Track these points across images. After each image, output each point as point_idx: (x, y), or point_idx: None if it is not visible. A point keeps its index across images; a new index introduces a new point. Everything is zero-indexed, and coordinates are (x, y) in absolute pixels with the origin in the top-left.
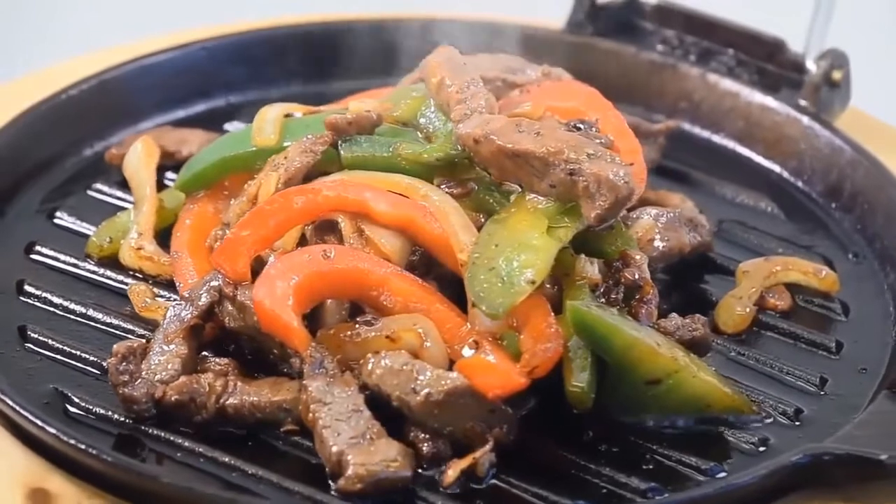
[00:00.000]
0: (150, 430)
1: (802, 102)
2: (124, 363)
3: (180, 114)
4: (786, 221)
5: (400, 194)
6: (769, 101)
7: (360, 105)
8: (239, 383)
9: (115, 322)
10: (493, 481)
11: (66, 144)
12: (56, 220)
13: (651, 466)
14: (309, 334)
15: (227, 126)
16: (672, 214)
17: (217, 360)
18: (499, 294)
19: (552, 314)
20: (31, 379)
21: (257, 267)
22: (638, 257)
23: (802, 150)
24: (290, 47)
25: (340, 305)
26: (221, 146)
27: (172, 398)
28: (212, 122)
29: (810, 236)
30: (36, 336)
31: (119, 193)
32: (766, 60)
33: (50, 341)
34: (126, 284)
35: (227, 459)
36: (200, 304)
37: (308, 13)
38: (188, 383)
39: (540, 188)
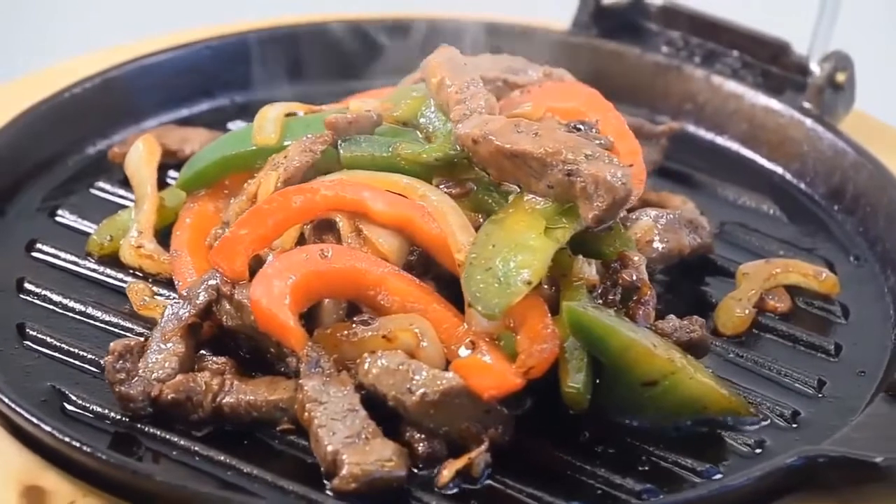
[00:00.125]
0: (147, 429)
1: (806, 105)
2: (121, 361)
3: (184, 113)
4: (788, 224)
5: (398, 194)
6: (773, 103)
7: (360, 105)
8: (235, 382)
9: (114, 320)
10: (489, 482)
11: (69, 143)
12: (58, 218)
13: (647, 468)
14: (306, 333)
15: (230, 125)
16: (672, 216)
17: (214, 358)
18: (495, 294)
19: (549, 315)
20: (28, 376)
21: (256, 266)
22: (636, 258)
23: (805, 153)
24: (294, 47)
25: (338, 305)
26: (222, 145)
27: (169, 396)
28: (216, 121)
29: (812, 239)
30: (34, 334)
31: (121, 192)
32: (771, 62)
33: (48, 339)
34: (126, 283)
35: (222, 458)
36: (198, 302)
37: (308, 13)
38: (185, 382)
39: (538, 189)
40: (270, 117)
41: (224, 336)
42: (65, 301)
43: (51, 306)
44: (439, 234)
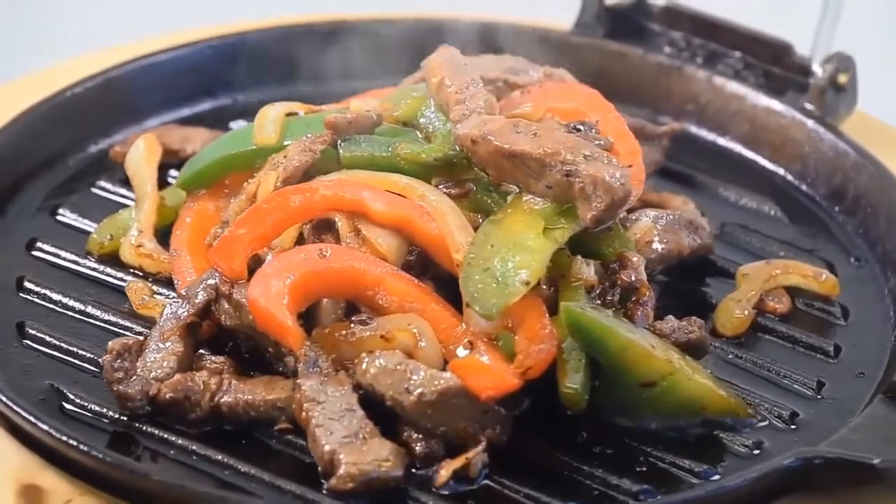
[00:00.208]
0: (145, 428)
1: (808, 106)
2: (119, 360)
3: (186, 112)
4: (788, 225)
5: (397, 194)
6: (775, 104)
7: (360, 104)
8: (233, 381)
9: (114, 319)
10: (486, 482)
11: (70, 142)
12: (58, 217)
13: (644, 469)
14: (304, 333)
15: (232, 125)
16: (671, 217)
17: (213, 358)
18: (493, 294)
19: (547, 315)
20: (27, 375)
21: (255, 265)
22: (635, 259)
23: (807, 154)
24: (297, 46)
25: (336, 304)
26: (222, 144)
27: (167, 396)
28: (218, 120)
29: (813, 240)
30: (34, 332)
31: (122, 191)
32: (773, 63)
33: (48, 338)
34: (126, 282)
35: (220, 457)
36: (197, 301)
37: (308, 13)
38: (182, 381)
39: (537, 189)
40: (270, 117)
41: (223, 335)
42: (64, 300)
43: (50, 305)
44: (438, 234)
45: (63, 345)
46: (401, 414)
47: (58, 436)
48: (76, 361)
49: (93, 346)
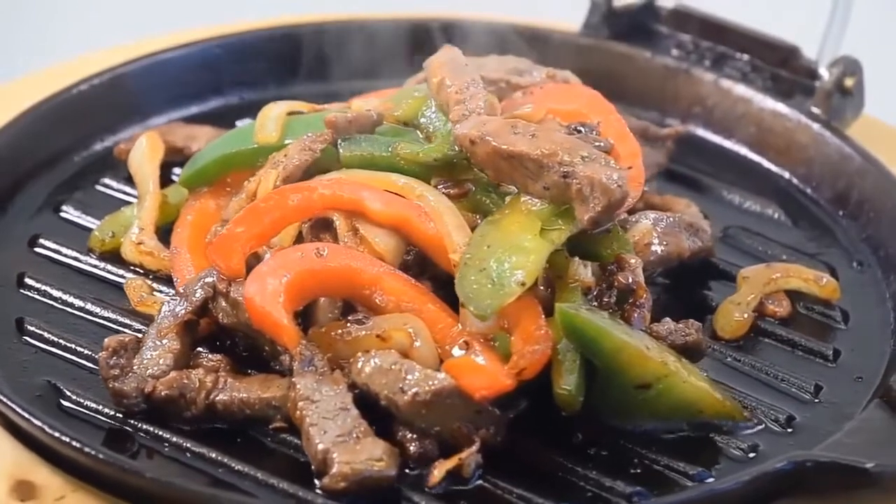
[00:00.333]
0: (140, 425)
1: (814, 109)
2: (115, 357)
3: (193, 110)
4: (792, 228)
5: (396, 194)
6: (781, 107)
7: (361, 104)
8: (229, 380)
9: (113, 316)
10: (479, 482)
11: (76, 139)
12: (62, 214)
13: (639, 471)
14: (299, 332)
15: (239, 123)
16: (672, 219)
17: (210, 356)
18: (488, 295)
19: (543, 316)
20: (25, 371)
21: (254, 264)
22: (633, 261)
23: (812, 157)
24: (305, 45)
25: (333, 303)
26: (224, 143)
27: (162, 393)
28: (225, 118)
29: (816, 244)
30: (33, 329)
31: (126, 188)
32: (781, 66)
33: (46, 334)
34: (126, 279)
35: (214, 455)
36: (194, 299)
37: (308, 13)
38: (178, 378)
39: (534, 190)
40: (272, 115)
41: (221, 333)
42: (64, 296)
43: (50, 301)
44: (436, 234)
45: (62, 341)
46: (395, 414)
47: (51, 432)
48: (74, 358)
49: (91, 343)
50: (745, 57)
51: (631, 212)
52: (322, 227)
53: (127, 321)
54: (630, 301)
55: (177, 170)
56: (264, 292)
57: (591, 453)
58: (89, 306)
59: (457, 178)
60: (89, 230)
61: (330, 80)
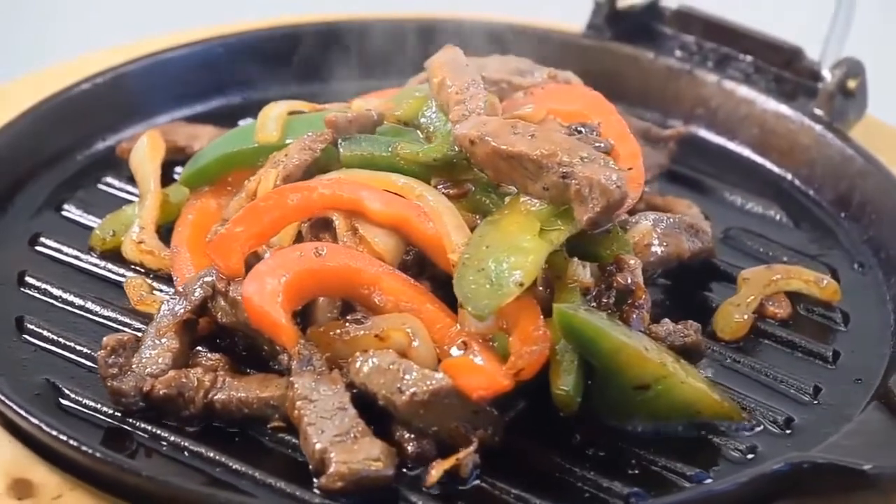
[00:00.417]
0: (139, 424)
1: (817, 111)
2: (114, 356)
3: (196, 109)
4: (794, 230)
5: (395, 194)
6: (784, 108)
7: (362, 103)
8: (228, 379)
9: (113, 315)
10: (477, 482)
11: (79, 138)
12: (63, 213)
13: (637, 471)
14: (298, 331)
15: (242, 123)
16: (672, 220)
17: (209, 355)
18: (486, 295)
19: (541, 317)
20: (24, 370)
21: (254, 263)
22: (632, 262)
23: (814, 159)
24: (309, 44)
25: (332, 303)
26: (225, 142)
27: (160, 392)
28: (228, 118)
29: (818, 245)
30: (33, 327)
31: (128, 187)
32: (784, 68)
33: (46, 333)
34: (127, 278)
35: (211, 455)
36: (194, 298)
37: (308, 13)
38: (177, 377)
39: (533, 190)
40: (273, 115)
41: (221, 333)
42: (65, 295)
43: (50, 300)
44: (435, 234)
45: (61, 340)
46: (393, 413)
47: (48, 430)
48: (73, 357)
49: (91, 342)
50: (749, 58)
51: (631, 212)
52: (321, 227)
53: (127, 320)
54: (629, 302)
55: (179, 169)
56: (262, 292)
57: (590, 454)
58: (89, 305)
59: (457, 179)
60: (91, 229)
61: (334, 80)
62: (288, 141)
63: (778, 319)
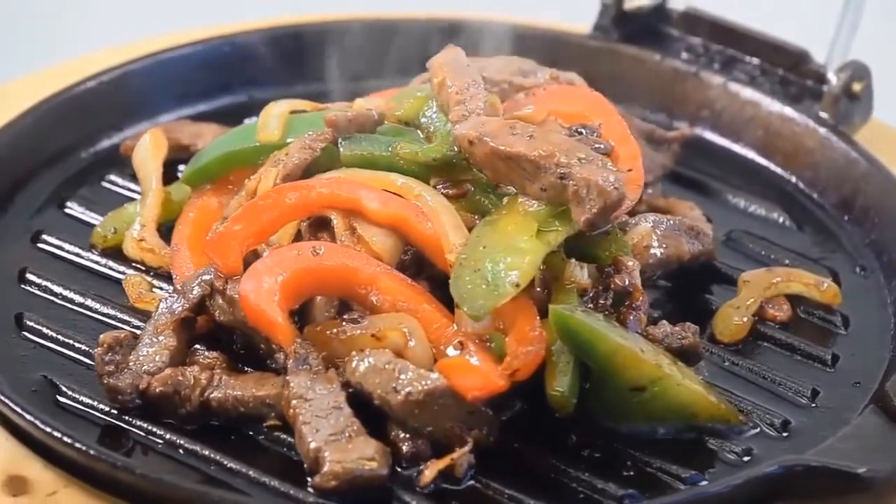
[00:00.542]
0: (135, 421)
1: (822, 114)
2: (110, 353)
3: (202, 108)
4: (796, 233)
5: (394, 193)
6: (789, 111)
7: (363, 103)
8: (224, 377)
9: (113, 312)
10: (471, 482)
11: (83, 136)
12: (66, 210)
13: (632, 473)
14: (295, 330)
15: (247, 121)
16: (672, 222)
17: (207, 353)
18: (482, 295)
19: (538, 317)
20: (22, 366)
21: (253, 262)
22: (630, 264)
23: (818, 162)
24: (316, 44)
25: (329, 302)
26: (227, 141)
27: (157, 390)
28: (234, 117)
29: (820, 248)
30: (32, 324)
31: (132, 185)
32: (790, 70)
33: (45, 330)
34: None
35: (206, 452)
36: (192, 296)
37: (308, 13)
38: (173, 375)
39: (531, 191)
40: (274, 114)
41: (220, 331)
42: (65, 292)
43: (51, 297)
44: (433, 234)
45: (60, 337)
46: (388, 413)
47: (43, 427)
48: (72, 354)
49: (89, 339)
50: (755, 60)
51: (632, 214)
52: (320, 226)
53: (126, 318)
54: (626, 303)
55: (182, 167)
56: (259, 290)
57: (585, 455)
58: (89, 302)
59: (456, 179)
60: (93, 226)
61: (340, 80)
62: (289, 140)
63: (778, 322)
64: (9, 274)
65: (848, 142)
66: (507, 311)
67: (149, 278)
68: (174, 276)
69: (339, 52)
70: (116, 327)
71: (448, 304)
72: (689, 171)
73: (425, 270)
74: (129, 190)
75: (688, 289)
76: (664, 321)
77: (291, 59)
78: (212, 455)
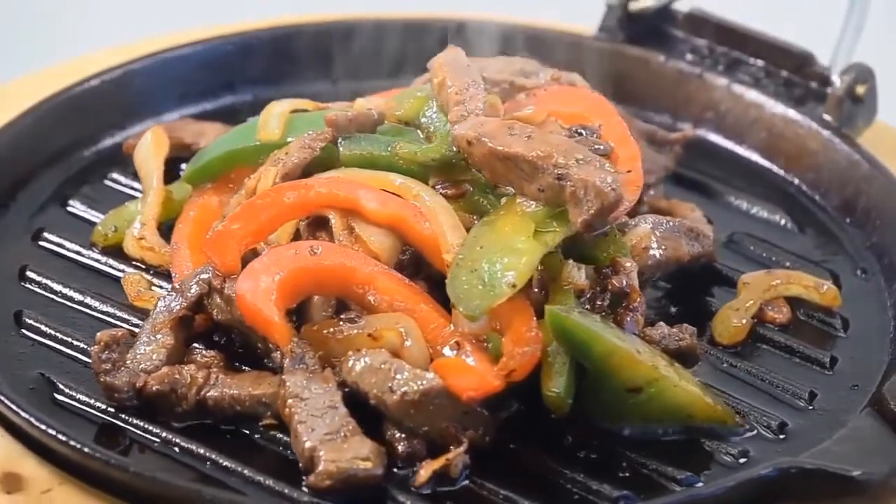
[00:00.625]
0: (131, 419)
1: (825, 116)
2: (107, 351)
3: (206, 107)
4: (798, 235)
5: (393, 193)
6: (792, 113)
7: (364, 102)
8: (221, 376)
9: (112, 311)
10: (466, 483)
11: (86, 134)
12: (69, 208)
13: (627, 474)
14: (291, 329)
15: (250, 121)
16: (672, 223)
17: (204, 352)
18: (478, 296)
19: (534, 318)
20: (20, 364)
21: (252, 260)
22: (628, 265)
23: (821, 164)
24: (319, 44)
25: (327, 301)
26: (228, 139)
27: (153, 388)
28: (237, 116)
29: (821, 251)
30: (31, 322)
31: (134, 184)
32: (794, 73)
33: (43, 327)
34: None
35: (202, 451)
36: (190, 295)
37: (308, 13)
38: (170, 374)
39: (529, 192)
40: (275, 113)
41: (219, 330)
42: (65, 290)
43: (50, 295)
44: (431, 234)
45: (58, 335)
46: (384, 413)
47: (38, 424)
48: (70, 352)
49: (88, 337)
50: (759, 62)
51: (632, 215)
52: (318, 226)
53: (125, 316)
54: (623, 305)
55: (185, 165)
56: (256, 289)
57: (581, 456)
58: (89, 300)
59: (455, 179)
60: (94, 224)
61: (346, 80)
62: (289, 139)
63: (777, 324)
64: (9, 271)
65: (850, 144)
66: (504, 312)
67: (148, 277)
68: (173, 275)
69: (345, 52)
70: (115, 325)
71: (446, 304)
72: (691, 172)
73: (423, 270)
74: (132, 188)
75: (688, 290)
76: (661, 323)
77: (295, 59)
78: (207, 453)
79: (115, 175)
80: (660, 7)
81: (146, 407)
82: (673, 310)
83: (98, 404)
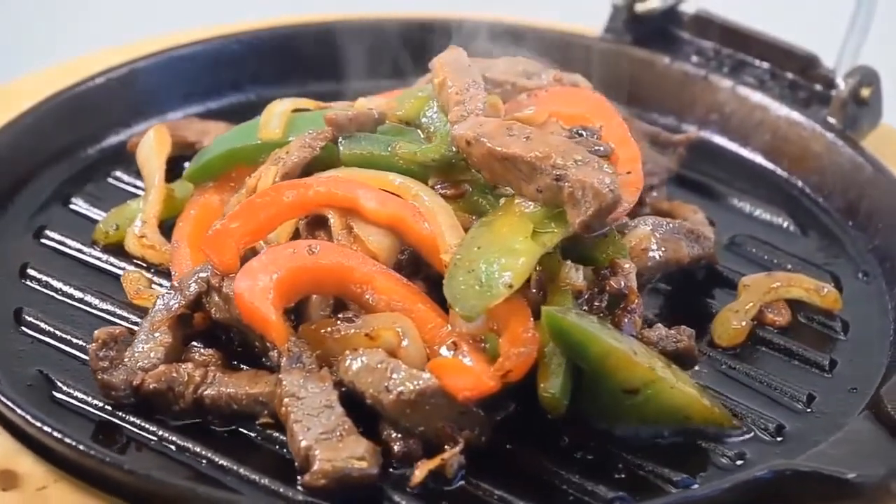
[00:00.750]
0: (128, 417)
1: (830, 119)
2: (105, 349)
3: (210, 106)
4: (800, 237)
5: (392, 193)
6: (797, 115)
7: (365, 102)
8: (218, 374)
9: (111, 309)
10: (462, 483)
11: (90, 132)
12: (71, 206)
13: (623, 476)
14: (289, 328)
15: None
16: (672, 225)
17: (202, 350)
18: (474, 296)
19: (531, 319)
20: (19, 361)
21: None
22: (626, 266)
23: (825, 167)
24: (323, 43)
25: (325, 301)
26: (229, 138)
27: (150, 386)
28: (242, 115)
29: (823, 254)
30: (31, 319)
31: (137, 182)
32: (799, 75)
33: (43, 325)
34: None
35: (198, 450)
36: (188, 293)
37: (308, 13)
38: (167, 372)
39: (528, 192)
40: (276, 112)
41: (217, 328)
42: (65, 288)
43: (50, 292)
44: (430, 234)
45: (58, 332)
46: (381, 412)
47: (34, 422)
48: (68, 349)
49: (86, 335)
50: (765, 64)
51: (632, 216)
52: (317, 225)
53: (125, 314)
54: (621, 306)
55: (188, 164)
56: (254, 288)
57: (577, 457)
58: (89, 298)
59: (454, 179)
60: (96, 222)
61: (351, 79)
62: (290, 138)
63: (777, 327)
64: (10, 269)
65: (854, 147)
66: (501, 312)
67: (148, 275)
68: (173, 273)
69: (349, 52)
70: (115, 323)
71: (444, 304)
72: (694, 174)
73: (422, 270)
74: (135, 187)
75: (688, 292)
76: (659, 324)
77: (299, 58)
78: (204, 452)
79: (118, 173)
80: (665, 8)
81: (143, 405)
82: (673, 312)
83: (96, 402)
